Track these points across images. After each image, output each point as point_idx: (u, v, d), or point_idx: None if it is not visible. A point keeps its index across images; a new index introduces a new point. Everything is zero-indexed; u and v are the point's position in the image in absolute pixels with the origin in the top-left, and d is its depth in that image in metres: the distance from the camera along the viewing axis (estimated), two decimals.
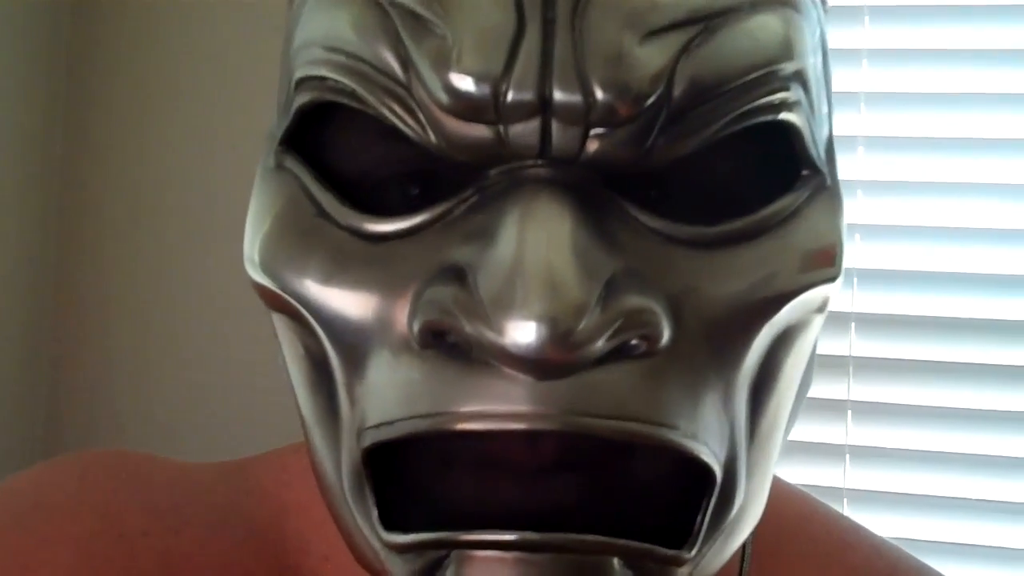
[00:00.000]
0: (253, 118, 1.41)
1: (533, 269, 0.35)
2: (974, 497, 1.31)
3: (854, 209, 1.33)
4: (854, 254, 1.33)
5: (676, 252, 0.39)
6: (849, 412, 1.35)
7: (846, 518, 0.62)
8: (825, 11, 0.47)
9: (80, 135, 1.50)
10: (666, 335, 0.37)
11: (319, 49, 0.41)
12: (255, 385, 1.38)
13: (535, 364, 0.35)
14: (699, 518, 0.39)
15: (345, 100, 0.40)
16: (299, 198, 0.42)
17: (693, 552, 0.39)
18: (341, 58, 0.40)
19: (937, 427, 1.32)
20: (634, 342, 0.37)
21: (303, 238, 0.41)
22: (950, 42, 1.35)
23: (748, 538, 0.54)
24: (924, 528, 1.31)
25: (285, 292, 0.41)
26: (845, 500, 1.34)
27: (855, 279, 1.34)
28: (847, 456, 1.35)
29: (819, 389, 1.32)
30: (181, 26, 1.48)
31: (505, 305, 0.35)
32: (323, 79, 0.41)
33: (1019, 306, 1.31)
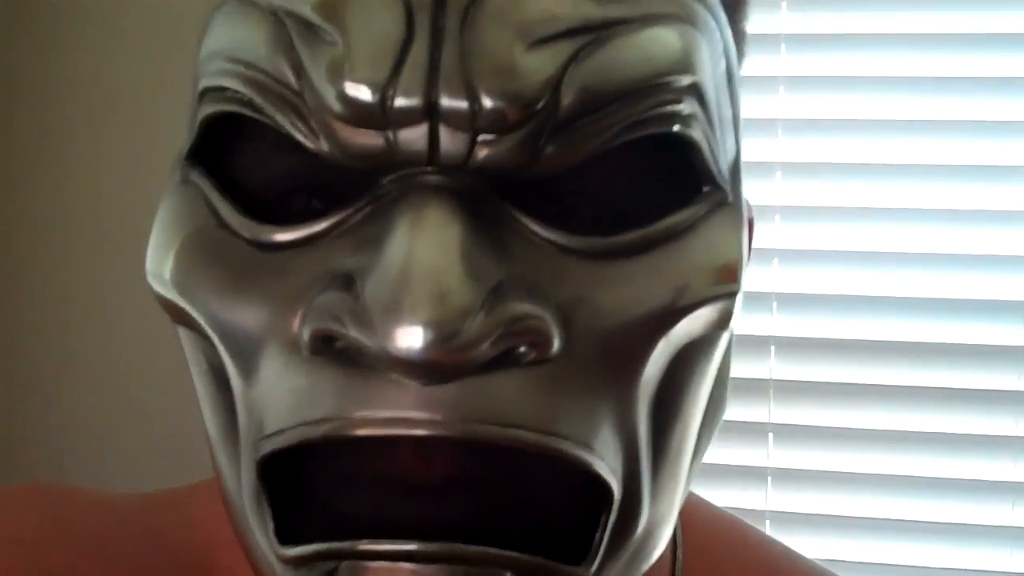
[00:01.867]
0: (178, 139, 1.40)
1: (419, 274, 0.35)
2: (895, 518, 1.33)
3: (772, 234, 1.34)
4: (773, 278, 1.35)
5: (567, 262, 0.39)
6: (771, 434, 1.36)
7: (779, 543, 0.62)
8: (739, 37, 0.47)
9: (11, 154, 1.48)
10: (556, 343, 0.37)
11: (222, 60, 0.41)
12: (184, 411, 1.36)
13: (420, 368, 0.35)
14: (598, 534, 0.39)
15: (244, 110, 0.40)
16: (201, 210, 0.42)
17: (592, 570, 0.39)
18: (240, 68, 0.40)
19: (858, 448, 1.34)
20: (522, 349, 0.37)
21: (203, 249, 0.41)
22: (867, 69, 1.37)
23: (679, 566, 0.54)
24: (846, 549, 1.33)
25: (186, 304, 0.41)
26: (768, 522, 1.35)
27: (774, 303, 1.36)
28: (769, 478, 1.36)
29: (741, 412, 1.34)
30: (111, 44, 1.46)
31: (390, 310, 0.35)
32: (223, 89, 0.41)
33: (936, 328, 1.34)
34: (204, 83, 0.42)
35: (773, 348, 1.36)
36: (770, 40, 1.36)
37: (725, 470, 1.34)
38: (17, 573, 0.51)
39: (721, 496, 1.31)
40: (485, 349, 0.35)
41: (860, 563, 1.32)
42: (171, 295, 0.42)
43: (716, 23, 0.43)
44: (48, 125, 1.47)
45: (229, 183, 0.42)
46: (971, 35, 1.35)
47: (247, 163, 0.43)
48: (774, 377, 1.36)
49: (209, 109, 0.42)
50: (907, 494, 1.33)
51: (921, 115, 1.36)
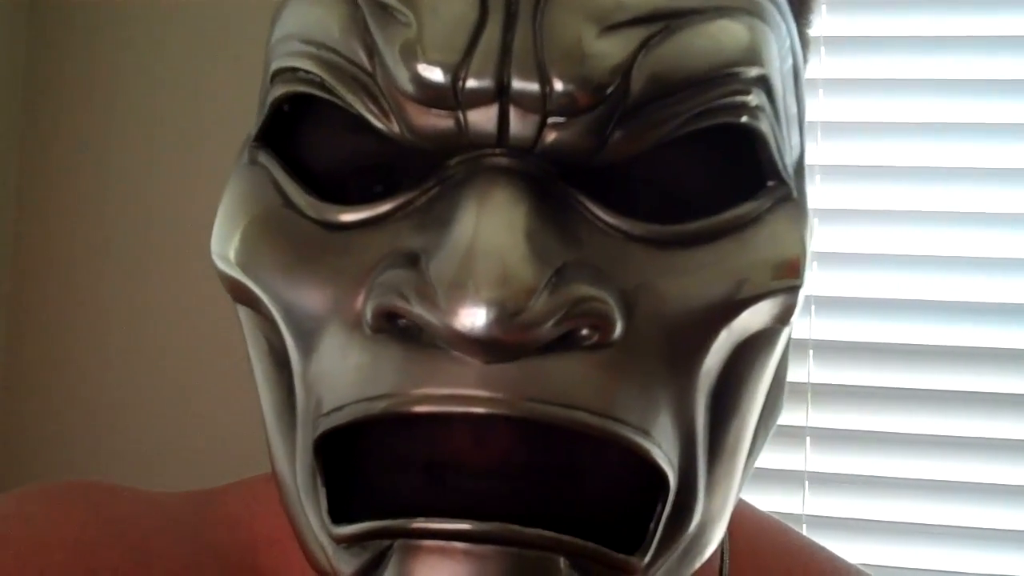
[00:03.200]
0: (212, 134, 1.41)
1: (484, 253, 0.35)
2: (934, 523, 1.32)
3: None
4: (812, 282, 1.34)
5: (631, 249, 0.39)
6: (808, 438, 1.35)
7: (823, 549, 0.61)
8: (804, 42, 0.47)
9: (35, 160, 1.49)
10: (618, 327, 0.37)
11: (295, 42, 0.42)
12: (218, 413, 1.37)
13: (482, 345, 0.35)
14: (652, 524, 0.39)
15: (315, 91, 0.41)
16: (267, 190, 0.43)
17: (645, 560, 0.38)
18: (313, 49, 0.41)
19: (896, 453, 1.33)
20: (584, 331, 0.37)
21: (268, 228, 0.42)
22: (908, 72, 1.37)
23: (726, 571, 0.54)
24: (884, 554, 1.32)
25: (250, 282, 0.42)
26: (804, 526, 1.34)
27: (812, 306, 1.35)
28: (806, 483, 1.35)
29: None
30: (142, 43, 1.47)
31: (454, 287, 0.35)
32: (295, 70, 0.42)
33: (980, 333, 1.33)
34: (276, 64, 0.43)
35: (811, 352, 1.35)
36: (808, 84, 1.34)
37: (762, 474, 1.33)
38: (63, 571, 0.51)
39: (758, 500, 1.30)
40: (548, 329, 0.36)
41: (897, 568, 1.31)
42: (236, 274, 0.42)
43: (784, 21, 0.44)
44: (74, 125, 1.49)
45: (295, 164, 0.43)
46: (1013, 37, 1.34)
47: (313, 145, 0.43)
48: (812, 381, 1.35)
49: (280, 90, 0.42)
50: (945, 499, 1.32)
51: (965, 118, 1.35)
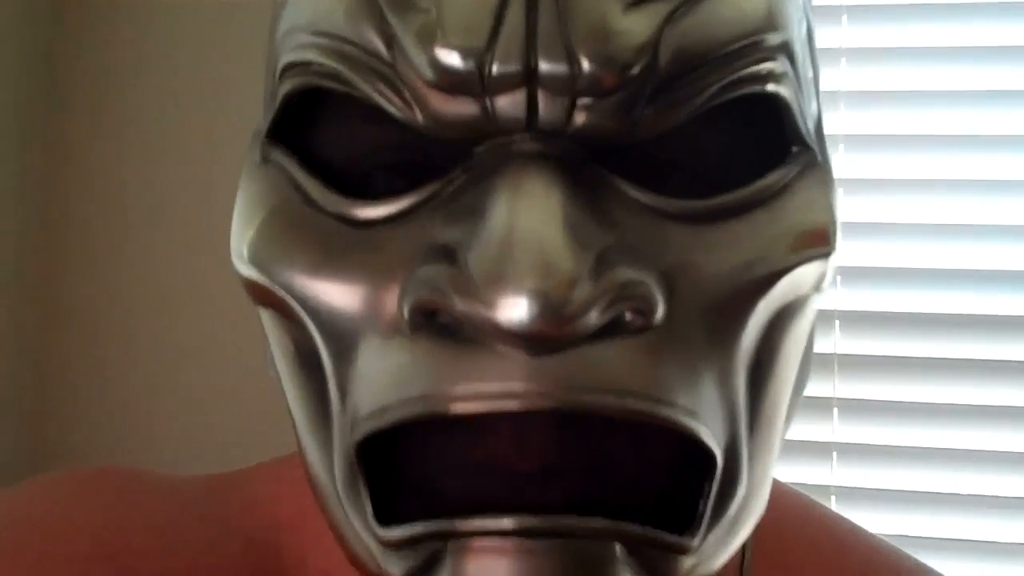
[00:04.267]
0: (238, 125, 1.41)
1: (523, 243, 0.34)
2: (964, 492, 1.32)
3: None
4: (838, 253, 1.33)
5: (668, 227, 0.38)
6: (835, 409, 1.35)
7: (845, 519, 0.61)
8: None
9: (62, 144, 1.49)
10: (660, 309, 0.37)
11: (304, 34, 0.41)
12: (244, 395, 1.38)
13: (528, 339, 0.34)
14: (701, 503, 0.38)
15: (331, 84, 0.40)
16: (286, 188, 0.41)
17: (696, 540, 0.38)
18: (326, 41, 0.40)
19: (924, 423, 1.33)
20: (628, 316, 0.36)
21: (290, 228, 0.41)
22: (929, 40, 1.36)
23: (748, 541, 0.54)
24: (913, 524, 1.32)
25: (273, 284, 0.41)
26: (833, 497, 1.34)
27: (839, 277, 1.35)
28: (834, 454, 1.35)
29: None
30: (164, 33, 1.47)
31: (496, 280, 0.34)
32: (308, 64, 0.40)
33: (1005, 301, 1.32)
34: (286, 59, 0.41)
35: (838, 323, 1.35)
36: (830, 54, 1.35)
37: (790, 445, 1.33)
38: (89, 557, 0.51)
39: (786, 472, 1.31)
40: (593, 318, 0.35)
41: (927, 538, 1.31)
42: (257, 276, 0.41)
43: None
44: (98, 118, 1.49)
45: (309, 160, 0.42)
46: None
47: (327, 139, 0.42)
48: (839, 351, 1.35)
49: (292, 84, 0.41)
50: (978, 469, 1.32)
51: (989, 85, 1.34)
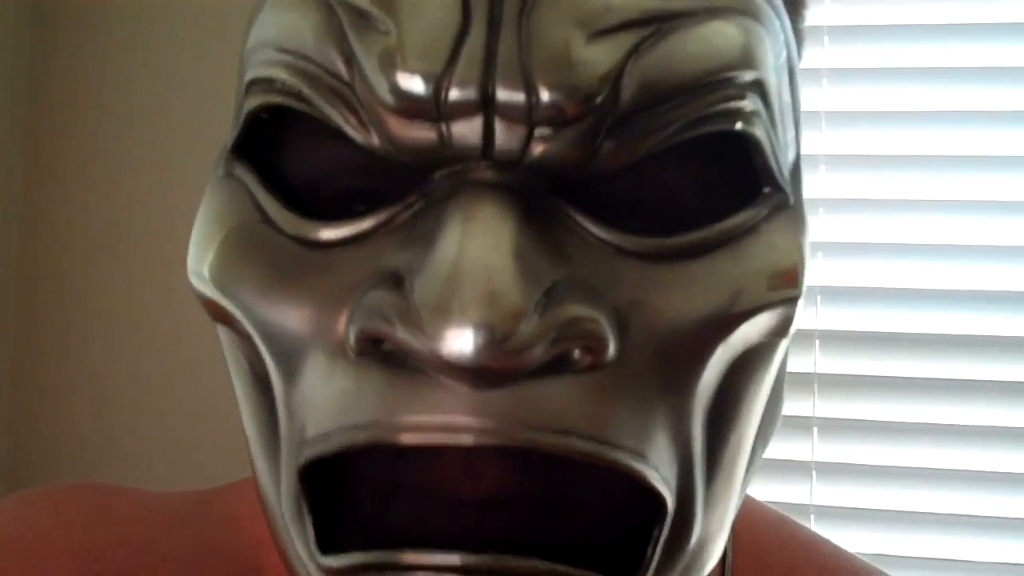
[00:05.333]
0: (218, 135, 1.41)
1: (470, 273, 0.34)
2: (943, 512, 1.32)
3: (817, 227, 1.34)
4: (817, 272, 1.34)
5: (625, 263, 0.37)
6: (815, 429, 1.35)
7: (826, 541, 0.61)
8: (799, 37, 0.46)
9: (41, 161, 1.49)
10: (611, 348, 0.36)
11: (270, 50, 0.40)
12: (226, 409, 1.37)
13: (471, 372, 0.33)
14: (649, 549, 0.38)
15: (292, 102, 0.39)
16: (245, 205, 0.41)
17: None
18: (289, 58, 0.39)
19: (904, 442, 1.33)
20: (577, 353, 0.35)
21: (246, 246, 0.40)
22: (911, 60, 1.36)
23: (728, 562, 0.54)
24: (893, 543, 1.32)
25: (226, 301, 0.40)
26: (812, 516, 1.34)
27: (818, 296, 1.35)
28: (813, 473, 1.35)
29: (785, 405, 1.33)
30: (144, 43, 1.47)
31: (440, 311, 0.33)
32: (271, 80, 0.40)
33: (986, 321, 1.33)
34: (251, 74, 0.41)
35: (818, 342, 1.35)
36: (812, 74, 1.35)
37: (769, 464, 1.33)
38: (65, 574, 0.51)
39: (765, 491, 1.31)
40: (538, 353, 0.34)
41: (906, 557, 1.31)
42: (212, 293, 0.41)
43: (778, 17, 0.42)
44: (78, 127, 1.48)
45: (273, 178, 0.41)
46: (1019, 24, 1.34)
47: (292, 158, 0.41)
48: (818, 371, 1.35)
49: (256, 101, 0.41)
50: (952, 487, 1.32)
51: (970, 106, 1.34)
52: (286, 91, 0.39)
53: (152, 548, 0.53)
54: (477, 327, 0.33)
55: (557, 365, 0.35)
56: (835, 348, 1.35)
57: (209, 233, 0.41)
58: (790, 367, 1.34)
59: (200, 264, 0.41)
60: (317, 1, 0.39)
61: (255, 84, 0.41)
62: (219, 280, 0.40)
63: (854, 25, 1.38)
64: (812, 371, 1.35)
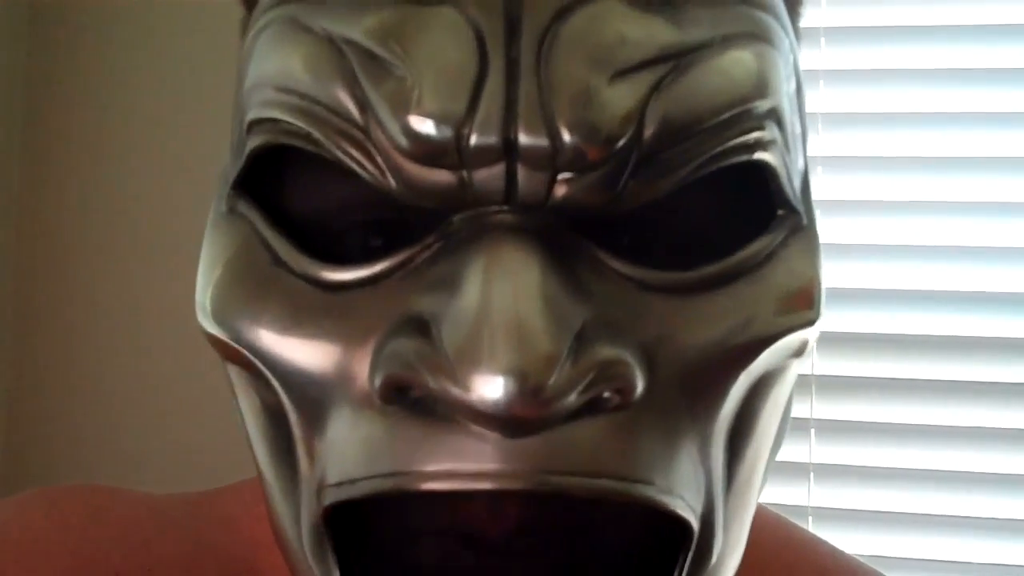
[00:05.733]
0: (212, 136, 1.40)
1: (500, 320, 0.33)
2: (942, 513, 1.32)
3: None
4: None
5: (649, 299, 0.37)
6: (812, 431, 1.35)
7: (824, 542, 0.61)
8: (798, 37, 0.46)
9: (38, 160, 1.49)
10: (639, 387, 0.36)
11: (271, 90, 0.39)
12: (223, 412, 1.37)
13: (504, 421, 0.33)
14: (676, 573, 0.38)
15: (300, 143, 0.38)
16: (253, 245, 0.40)
17: None
18: (295, 99, 0.38)
19: (901, 443, 1.33)
20: (607, 395, 0.35)
21: (258, 287, 0.39)
22: (907, 62, 1.36)
23: None
24: (891, 545, 1.32)
25: (239, 343, 0.39)
26: (810, 518, 1.34)
27: None
28: (811, 474, 1.35)
29: None
30: (139, 50, 1.47)
31: (471, 359, 0.33)
32: (276, 121, 0.39)
33: (983, 322, 1.33)
34: (254, 114, 0.40)
35: (815, 344, 1.35)
36: (808, 76, 1.34)
37: None
38: (62, 575, 0.51)
39: (763, 492, 1.30)
40: (572, 400, 0.34)
41: (904, 559, 1.31)
42: (224, 335, 0.40)
43: (787, 36, 0.42)
44: (75, 126, 1.48)
45: (276, 211, 0.41)
46: (1014, 25, 1.34)
47: (296, 192, 0.41)
48: (816, 373, 1.35)
49: (260, 140, 0.40)
50: (950, 489, 1.32)
51: (967, 107, 1.34)
52: (294, 133, 0.39)
53: (149, 549, 0.53)
54: (509, 375, 0.33)
55: (588, 408, 0.35)
56: (832, 350, 1.35)
57: (217, 274, 0.41)
58: None
59: (209, 303, 0.41)
60: (321, 41, 0.38)
61: (259, 124, 0.40)
62: (230, 321, 0.40)
63: (851, 26, 1.38)
64: (810, 373, 1.35)
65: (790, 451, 1.34)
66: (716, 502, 0.39)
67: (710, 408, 0.38)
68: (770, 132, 0.39)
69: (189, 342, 1.39)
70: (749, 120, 0.39)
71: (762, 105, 0.39)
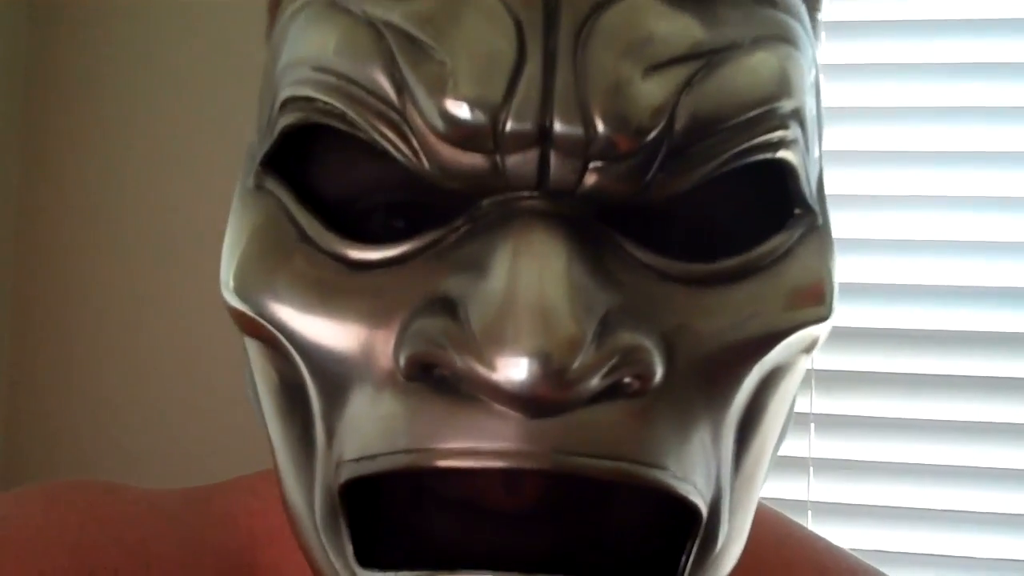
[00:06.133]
0: (213, 133, 1.41)
1: (526, 303, 0.34)
2: (941, 508, 1.32)
3: None
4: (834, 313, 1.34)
5: (670, 289, 0.38)
6: (812, 425, 1.35)
7: (822, 539, 0.61)
8: (817, 33, 0.47)
9: (38, 158, 1.48)
10: (659, 374, 0.37)
11: (307, 69, 0.40)
12: (221, 407, 1.37)
13: (527, 401, 0.34)
14: (683, 559, 0.39)
15: (334, 123, 0.39)
16: (280, 221, 0.41)
17: None
18: (331, 79, 0.39)
19: (901, 439, 1.33)
20: (627, 380, 0.36)
21: (283, 263, 0.40)
22: (909, 56, 1.36)
23: None
24: (890, 540, 1.32)
25: (262, 318, 0.40)
26: (809, 512, 1.34)
27: None
28: (811, 469, 1.35)
29: None
30: (139, 48, 1.47)
31: (497, 339, 0.34)
32: (311, 100, 0.40)
33: (982, 317, 1.33)
34: (289, 92, 0.41)
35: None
36: None
37: None
38: (63, 572, 0.51)
39: (763, 487, 1.31)
40: (594, 383, 0.35)
41: (903, 553, 1.31)
42: (247, 309, 0.41)
43: (808, 37, 0.43)
44: (74, 124, 1.48)
45: (303, 189, 0.41)
46: (1015, 20, 1.34)
47: (324, 170, 0.42)
48: (816, 367, 1.35)
49: (293, 118, 0.41)
50: (949, 484, 1.32)
51: (966, 102, 1.35)
52: (328, 112, 0.39)
53: (147, 545, 0.53)
54: (534, 356, 0.33)
55: (607, 392, 0.36)
56: (832, 344, 1.35)
57: (243, 248, 0.41)
58: None
59: (233, 278, 0.41)
60: (361, 23, 0.39)
61: (293, 102, 0.41)
62: (254, 296, 0.40)
63: (852, 21, 1.37)
64: (810, 368, 1.34)
65: (790, 446, 1.34)
66: (724, 490, 0.40)
67: (724, 398, 0.39)
68: (793, 132, 0.40)
69: (189, 340, 1.40)
70: (774, 119, 0.40)
71: (786, 105, 0.40)
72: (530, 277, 0.35)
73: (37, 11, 1.49)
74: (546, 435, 0.35)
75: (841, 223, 1.31)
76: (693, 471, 0.37)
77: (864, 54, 1.37)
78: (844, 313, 1.32)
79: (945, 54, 1.35)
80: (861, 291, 1.35)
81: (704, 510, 0.38)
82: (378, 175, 0.40)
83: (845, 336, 1.35)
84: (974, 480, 1.32)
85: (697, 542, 0.39)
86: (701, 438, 0.38)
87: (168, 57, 1.46)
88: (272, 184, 0.42)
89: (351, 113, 0.39)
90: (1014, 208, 1.33)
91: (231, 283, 0.41)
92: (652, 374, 0.36)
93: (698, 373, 0.38)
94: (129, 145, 1.47)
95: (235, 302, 0.41)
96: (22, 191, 1.49)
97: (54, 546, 0.52)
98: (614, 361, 0.35)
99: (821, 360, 1.35)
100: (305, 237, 0.40)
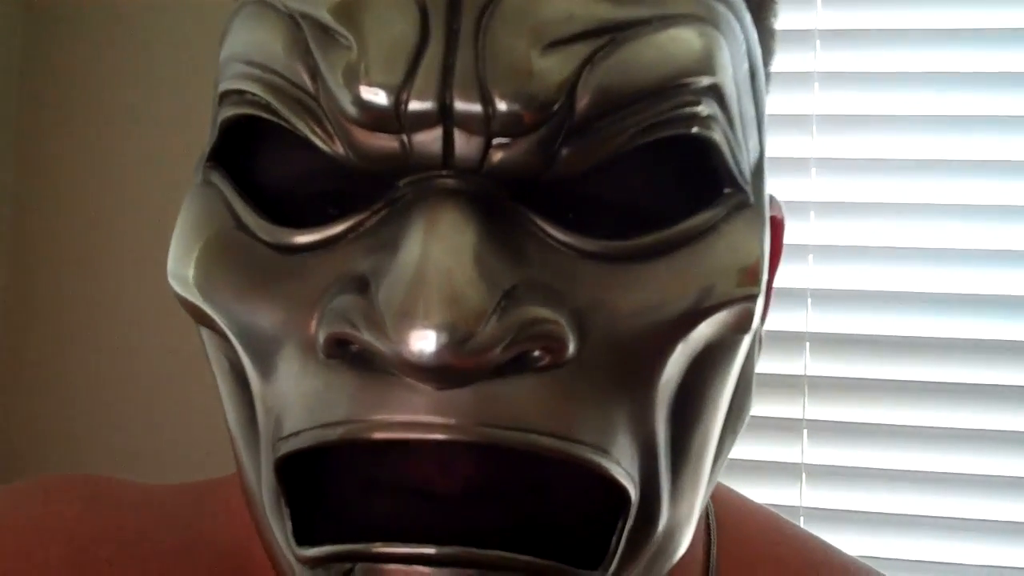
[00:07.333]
0: (205, 135, 1.41)
1: (433, 278, 0.35)
2: (934, 514, 1.32)
3: (807, 230, 1.35)
4: (807, 275, 1.35)
5: (584, 265, 0.39)
6: (805, 431, 1.36)
7: (815, 537, 0.61)
8: (767, 34, 0.47)
9: (32, 159, 1.49)
10: (571, 347, 0.37)
11: (240, 63, 0.42)
12: (211, 406, 1.37)
13: (433, 372, 0.35)
14: (614, 539, 0.39)
15: (263, 113, 0.41)
16: (220, 211, 0.42)
17: (608, 574, 0.39)
18: (257, 71, 0.41)
19: (893, 445, 1.34)
20: (536, 353, 0.37)
21: (222, 251, 0.42)
22: (902, 64, 1.37)
23: (714, 560, 0.54)
24: (883, 546, 1.32)
25: (205, 305, 0.42)
26: (802, 518, 1.34)
27: (809, 299, 1.35)
28: (803, 475, 1.36)
29: (775, 408, 1.33)
30: (134, 49, 1.47)
31: (403, 313, 0.35)
32: (242, 92, 0.41)
33: (971, 324, 1.33)
34: (223, 86, 0.43)
35: (808, 344, 1.35)
36: (803, 78, 1.35)
37: (759, 466, 1.34)
38: (60, 563, 0.51)
39: (755, 493, 1.30)
40: (498, 353, 0.35)
41: (896, 560, 1.31)
42: (192, 297, 0.42)
43: (739, 22, 0.43)
44: (69, 124, 1.48)
45: (249, 185, 0.43)
46: (1008, 29, 1.34)
47: (266, 164, 0.43)
48: (809, 373, 1.35)
49: (228, 112, 0.42)
50: (942, 491, 1.33)
51: (960, 111, 1.35)
52: (256, 103, 0.41)
53: (143, 539, 0.53)
54: (438, 328, 0.34)
55: (518, 365, 0.36)
56: (825, 351, 1.36)
57: (188, 239, 0.43)
58: (780, 369, 1.35)
59: (180, 269, 0.43)
60: (283, 16, 0.40)
61: (227, 96, 0.42)
62: (198, 284, 0.42)
63: (845, 29, 1.38)
64: (802, 374, 1.35)
65: (782, 452, 1.35)
66: (660, 472, 0.40)
67: (646, 375, 0.39)
68: (708, 108, 0.40)
69: (182, 338, 1.39)
70: (685, 94, 0.40)
71: (700, 81, 0.40)
72: (437, 253, 0.36)
73: (32, 11, 1.49)
74: (459, 407, 0.36)
75: (835, 230, 1.33)
76: (615, 448, 0.38)
77: (855, 62, 1.38)
78: (837, 320, 1.33)
79: (934, 64, 1.36)
80: (855, 298, 1.35)
81: (633, 491, 0.39)
82: (310, 165, 0.41)
83: (837, 343, 1.35)
84: (967, 487, 1.32)
85: (630, 524, 0.39)
86: (623, 417, 0.38)
87: (163, 58, 1.46)
88: (216, 178, 0.43)
89: (275, 103, 0.40)
90: (1007, 216, 1.34)
91: (177, 272, 0.43)
92: (562, 347, 0.37)
93: (615, 349, 0.38)
94: (123, 145, 1.47)
95: (181, 291, 0.43)
96: (17, 192, 1.49)
97: (50, 539, 0.52)
98: (518, 332, 0.36)
99: (814, 367, 1.36)
100: (242, 225, 0.41)
